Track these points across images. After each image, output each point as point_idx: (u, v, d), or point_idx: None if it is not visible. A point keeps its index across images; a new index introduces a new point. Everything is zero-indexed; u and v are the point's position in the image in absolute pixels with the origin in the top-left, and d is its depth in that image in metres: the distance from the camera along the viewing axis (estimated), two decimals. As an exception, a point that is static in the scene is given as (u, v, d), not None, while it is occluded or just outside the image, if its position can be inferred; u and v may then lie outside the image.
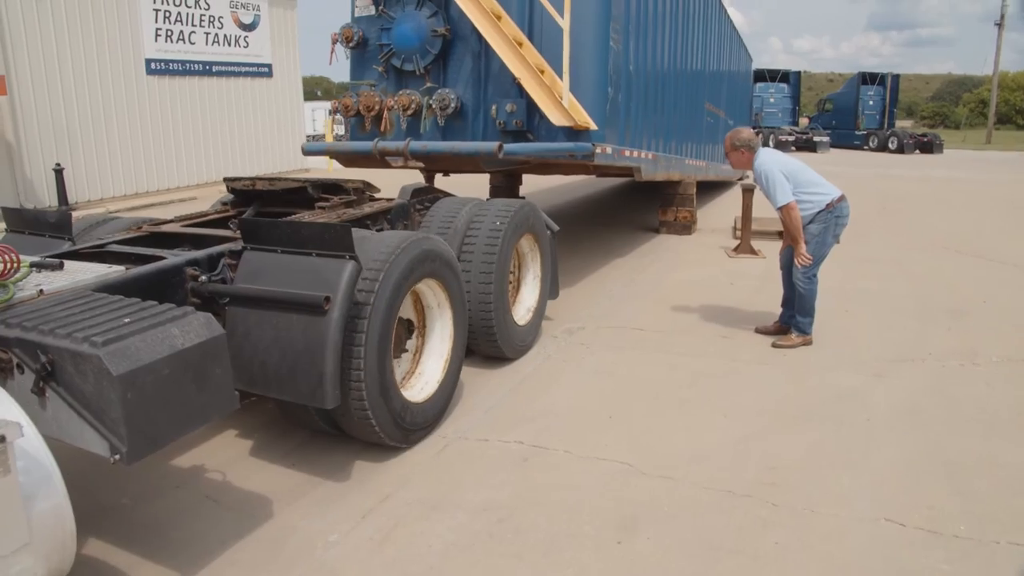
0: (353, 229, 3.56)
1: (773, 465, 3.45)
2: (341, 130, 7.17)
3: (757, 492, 3.21)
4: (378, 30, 6.69)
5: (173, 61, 16.41)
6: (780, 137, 29.32)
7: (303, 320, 3.03)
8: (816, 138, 29.28)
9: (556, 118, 5.72)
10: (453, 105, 6.32)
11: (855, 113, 31.50)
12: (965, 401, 4.24)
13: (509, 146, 5.74)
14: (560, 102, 5.71)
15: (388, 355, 3.39)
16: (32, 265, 2.99)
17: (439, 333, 4.02)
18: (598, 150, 6.06)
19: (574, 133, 6.06)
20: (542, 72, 6.04)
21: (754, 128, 32.47)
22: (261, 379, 3.14)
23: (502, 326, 4.72)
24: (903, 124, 48.41)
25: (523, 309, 5.26)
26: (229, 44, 17.85)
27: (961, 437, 3.77)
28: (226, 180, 5.51)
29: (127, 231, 4.27)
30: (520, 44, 6.16)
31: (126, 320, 2.37)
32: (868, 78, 32.08)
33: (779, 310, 5.51)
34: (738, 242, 8.95)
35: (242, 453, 3.69)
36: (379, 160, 6.25)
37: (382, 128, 6.67)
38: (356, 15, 7.00)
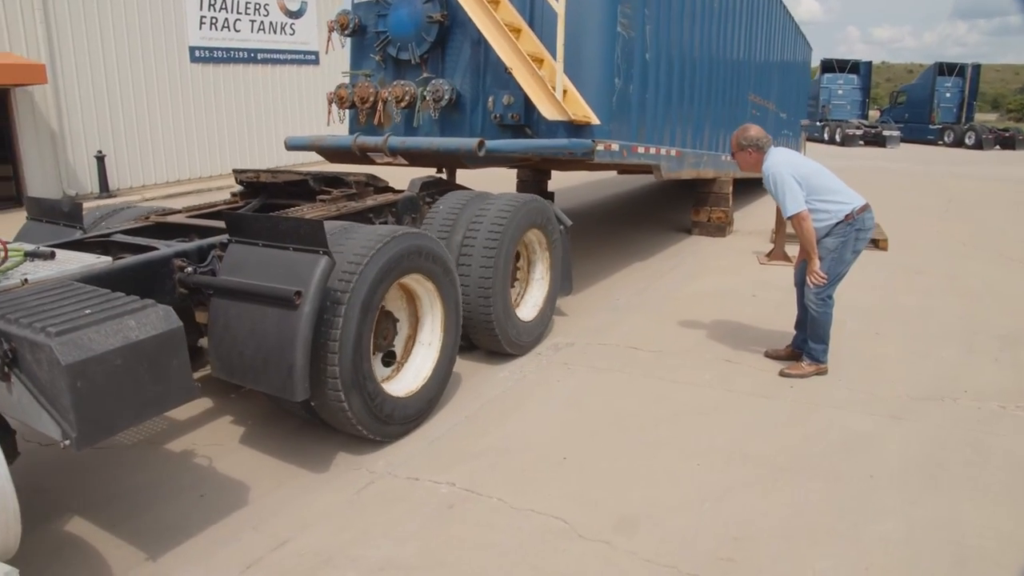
0: (340, 223, 3.74)
1: (738, 534, 2.88)
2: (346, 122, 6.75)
3: (707, 572, 2.65)
4: (375, 17, 6.28)
5: (217, 49, 16.45)
6: (847, 131, 27.72)
7: (276, 313, 3.09)
8: (886, 132, 27.55)
9: (549, 111, 5.19)
10: (447, 97, 5.86)
11: (930, 106, 29.50)
12: (999, 458, 3.54)
13: (492, 143, 5.24)
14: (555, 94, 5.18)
15: (365, 349, 3.38)
16: (27, 254, 3.12)
17: (429, 329, 4.03)
18: (600, 147, 5.50)
19: (575, 128, 5.52)
20: (541, 62, 5.51)
21: (820, 121, 30.85)
22: (239, 369, 3.23)
23: (503, 322, 4.65)
24: (985, 118, 45.43)
25: (530, 305, 5.18)
26: (275, 31, 17.81)
27: (985, 508, 3.10)
28: (235, 171, 5.53)
29: (135, 221, 4.41)
30: (519, 31, 5.64)
31: (87, 311, 2.46)
32: (946, 69, 29.98)
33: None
34: (772, 247, 8.22)
35: (156, 478, 3.34)
36: (362, 157, 5.82)
37: (377, 120, 6.27)
38: (355, 1, 6.62)
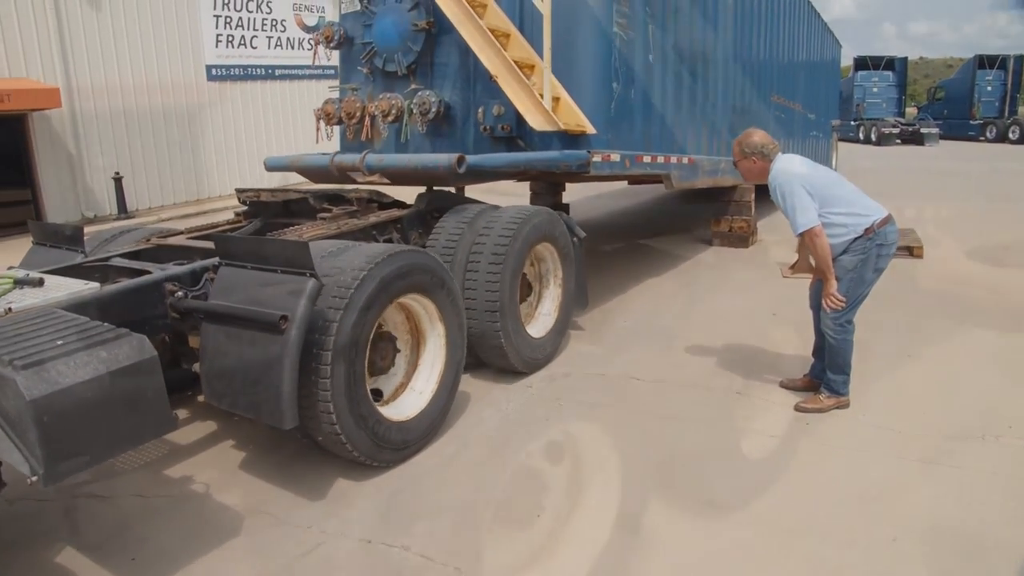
0: (337, 242, 3.68)
1: (730, 619, 2.43)
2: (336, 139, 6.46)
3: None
4: (361, 27, 5.96)
5: (235, 66, 16.43)
6: (883, 129, 26.73)
7: (263, 339, 2.99)
8: (924, 129, 26.49)
9: (536, 122, 4.79)
10: (435, 109, 5.50)
11: (970, 101, 28.29)
12: (1049, 511, 3.03)
13: (474, 158, 4.86)
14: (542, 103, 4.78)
15: (360, 373, 3.27)
16: (16, 281, 3.14)
17: (431, 349, 3.88)
18: (597, 158, 5.08)
19: (570, 139, 5.12)
20: (532, 68, 5.13)
21: (855, 121, 29.82)
22: (229, 395, 3.15)
23: (512, 339, 4.48)
24: (1031, 112, 43.63)
25: (541, 321, 5.01)
26: (292, 47, 17.73)
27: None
28: (237, 191, 5.42)
29: (136, 244, 4.39)
30: (507, 36, 5.26)
31: (59, 342, 2.39)
32: (987, 61, 28.74)
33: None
34: (797, 257, 7.66)
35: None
36: (341, 177, 5.49)
37: (364, 137, 5.94)
38: (343, 11, 6.33)
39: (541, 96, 4.81)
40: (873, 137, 26.97)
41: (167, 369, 2.78)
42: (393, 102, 5.69)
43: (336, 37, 6.08)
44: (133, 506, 3.29)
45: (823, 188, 3.88)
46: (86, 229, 4.34)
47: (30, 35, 12.39)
